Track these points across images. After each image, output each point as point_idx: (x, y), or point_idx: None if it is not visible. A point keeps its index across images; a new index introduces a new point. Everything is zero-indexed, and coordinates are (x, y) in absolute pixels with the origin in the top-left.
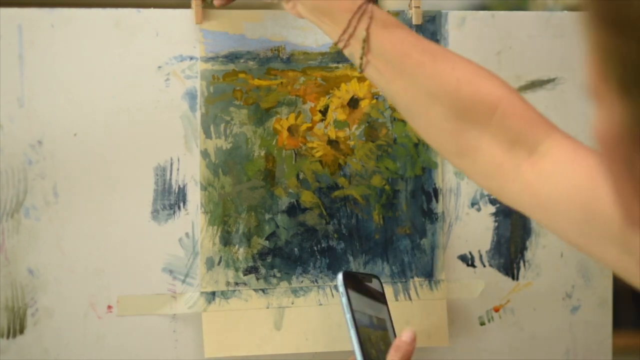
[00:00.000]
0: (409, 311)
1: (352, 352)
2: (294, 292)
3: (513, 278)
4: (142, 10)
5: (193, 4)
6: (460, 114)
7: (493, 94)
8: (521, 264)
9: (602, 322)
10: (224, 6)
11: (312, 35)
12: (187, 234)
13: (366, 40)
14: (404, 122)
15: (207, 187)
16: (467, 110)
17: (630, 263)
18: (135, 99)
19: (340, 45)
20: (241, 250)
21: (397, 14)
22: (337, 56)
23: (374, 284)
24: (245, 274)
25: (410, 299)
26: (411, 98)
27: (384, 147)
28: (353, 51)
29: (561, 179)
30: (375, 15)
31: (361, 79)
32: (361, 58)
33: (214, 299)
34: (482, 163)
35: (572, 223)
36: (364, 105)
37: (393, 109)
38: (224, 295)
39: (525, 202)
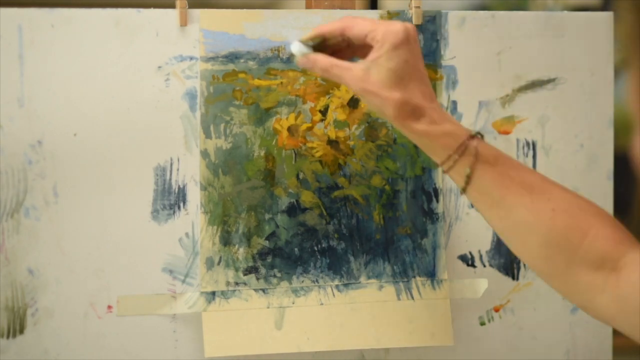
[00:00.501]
0: (412, 310)
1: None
2: (295, 292)
3: (513, 278)
4: (142, 10)
5: (177, 4)
6: (552, 242)
7: (586, 221)
8: (521, 264)
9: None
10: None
11: None
12: (187, 234)
13: (469, 176)
14: None
15: (207, 187)
16: (560, 239)
17: None
18: (135, 99)
19: (443, 170)
20: (241, 250)
21: (398, 14)
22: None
23: None
24: (245, 274)
25: (412, 298)
26: (507, 226)
27: (384, 147)
28: (454, 178)
29: (637, 290)
30: (480, 151)
31: None
32: (463, 189)
33: (214, 299)
34: (572, 282)
35: None
36: (364, 105)
37: None
38: (224, 295)
39: (612, 315)
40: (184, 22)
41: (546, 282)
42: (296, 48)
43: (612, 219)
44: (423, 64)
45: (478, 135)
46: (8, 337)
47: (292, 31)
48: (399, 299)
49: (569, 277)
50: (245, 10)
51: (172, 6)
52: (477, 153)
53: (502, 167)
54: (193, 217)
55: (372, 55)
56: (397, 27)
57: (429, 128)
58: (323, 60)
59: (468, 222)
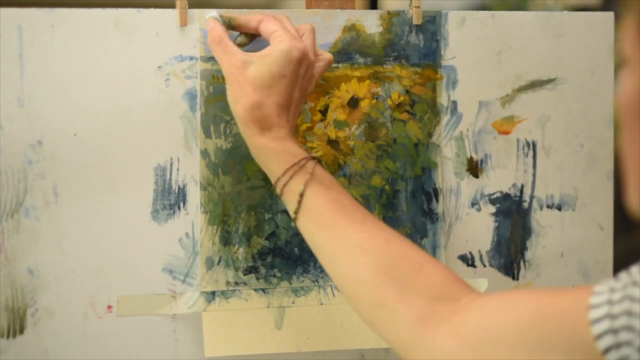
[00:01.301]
0: None
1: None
2: (295, 291)
3: (513, 278)
4: (142, 10)
5: (177, 4)
6: (385, 268)
7: (419, 255)
8: (521, 264)
9: None
10: None
11: None
12: (187, 234)
13: (302, 194)
14: (404, 122)
15: (207, 186)
16: (394, 265)
17: None
18: (135, 99)
19: (276, 190)
20: (241, 250)
21: (397, 14)
22: (337, 56)
23: None
24: (245, 274)
25: None
26: (337, 246)
27: (384, 147)
28: (287, 198)
29: (487, 310)
30: (316, 172)
31: (361, 79)
32: (296, 210)
33: (214, 298)
34: (400, 313)
35: (503, 348)
36: (364, 105)
37: (393, 109)
38: (224, 295)
39: (449, 350)
40: (184, 22)
41: (365, 317)
42: (212, 14)
43: (445, 265)
44: (301, 94)
45: (317, 160)
46: (8, 337)
47: None
48: None
49: (398, 306)
50: (245, 10)
51: (172, 6)
52: (314, 173)
53: (337, 194)
54: (193, 217)
55: (262, 52)
56: (297, 44)
57: (270, 143)
58: (218, 31)
59: (468, 222)
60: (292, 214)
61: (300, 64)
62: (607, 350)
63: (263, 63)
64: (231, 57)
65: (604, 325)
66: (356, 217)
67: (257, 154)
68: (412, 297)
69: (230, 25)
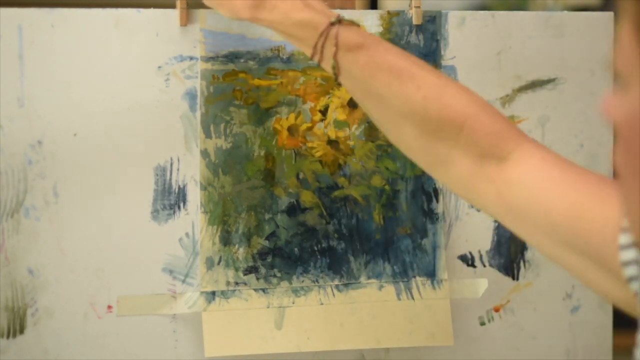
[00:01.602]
0: (412, 310)
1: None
2: (295, 291)
3: (513, 278)
4: (142, 10)
5: (178, 4)
6: (428, 132)
7: (460, 111)
8: (521, 264)
9: (602, 322)
10: None
11: None
12: (187, 234)
13: (334, 67)
14: None
15: (207, 187)
16: (435, 128)
17: (599, 275)
18: (135, 99)
19: (315, 61)
20: (241, 250)
21: (397, 14)
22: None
23: None
24: (245, 274)
25: (412, 298)
26: (382, 115)
27: (384, 147)
28: (327, 70)
29: (528, 187)
30: (340, 39)
31: None
32: (335, 80)
33: (214, 298)
34: (454, 175)
35: (540, 231)
36: None
37: None
38: (224, 295)
39: (498, 211)
40: (184, 22)
41: (429, 173)
42: None
43: (491, 109)
44: None
45: (341, 21)
46: (8, 337)
47: None
48: (399, 299)
49: (449, 168)
50: None
51: (172, 6)
52: (338, 41)
53: (368, 53)
54: (193, 217)
55: None
56: None
57: (280, 18)
58: None
59: (468, 222)
60: (336, 83)
61: None
62: (630, 280)
63: None
64: None
65: (631, 253)
66: (391, 76)
67: (283, 35)
68: (458, 156)
69: None
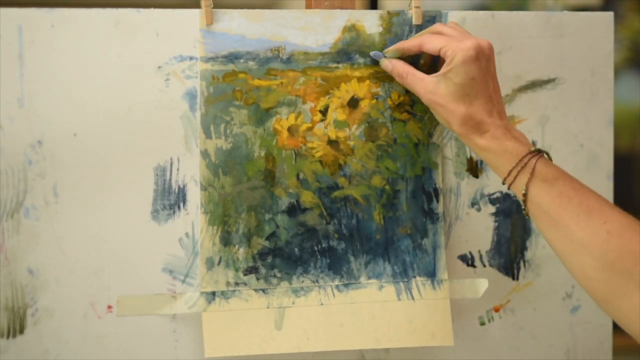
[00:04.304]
0: (412, 311)
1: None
2: (295, 292)
3: (513, 278)
4: (142, 10)
5: (203, 4)
6: (608, 264)
7: None
8: (521, 264)
9: (602, 322)
10: None
11: (312, 35)
12: (187, 234)
13: (525, 194)
14: (404, 122)
15: (207, 187)
16: (614, 261)
17: None
18: (135, 99)
19: (506, 185)
20: (241, 250)
21: (397, 14)
22: (337, 56)
23: None
24: (245, 274)
25: (412, 298)
26: (563, 245)
27: (384, 147)
28: (517, 195)
29: None
30: (537, 169)
31: (361, 79)
32: (522, 207)
33: (214, 299)
34: (629, 308)
35: None
36: (364, 105)
37: (393, 109)
38: (224, 295)
39: None
40: (209, 21)
41: (602, 308)
42: (379, 56)
43: None
44: (495, 81)
45: (540, 153)
46: (8, 337)
47: (292, 31)
48: (399, 299)
49: (623, 301)
50: (245, 10)
51: (173, 6)
52: (534, 171)
53: (561, 187)
54: (193, 217)
55: (443, 69)
56: (468, 45)
57: (490, 144)
58: (401, 67)
59: (468, 222)
60: (522, 210)
61: (480, 60)
62: None
63: (450, 78)
64: (423, 84)
65: None
66: (580, 210)
67: (482, 155)
68: (633, 289)
69: (397, 57)
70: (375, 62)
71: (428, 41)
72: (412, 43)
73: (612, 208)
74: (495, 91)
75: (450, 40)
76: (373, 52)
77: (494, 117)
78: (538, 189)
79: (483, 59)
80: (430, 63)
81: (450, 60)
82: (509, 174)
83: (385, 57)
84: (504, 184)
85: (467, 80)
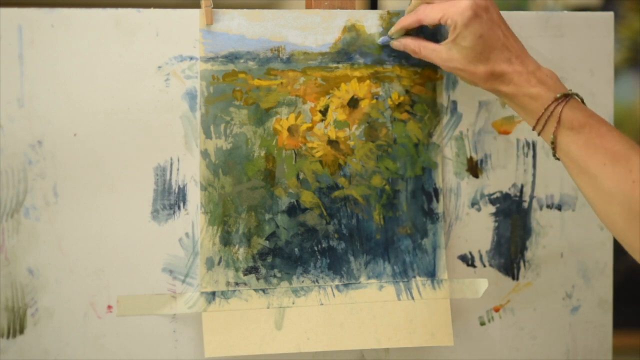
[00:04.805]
0: (412, 311)
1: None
2: (295, 292)
3: (513, 278)
4: (142, 10)
5: (203, 4)
6: (633, 215)
7: None
8: (521, 264)
9: (602, 322)
10: None
11: (312, 35)
12: (187, 234)
13: (554, 142)
14: (404, 122)
15: (207, 187)
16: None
17: None
18: (135, 99)
19: (536, 132)
20: (241, 250)
21: (398, 14)
22: (337, 56)
23: None
24: (245, 274)
25: (412, 298)
26: (592, 193)
27: (384, 147)
28: (546, 141)
29: None
30: (563, 117)
31: (361, 79)
32: (553, 154)
33: (214, 299)
34: None
35: None
36: (364, 105)
37: (393, 109)
38: (224, 295)
39: None
40: (210, 21)
41: (633, 257)
42: (384, 40)
43: None
44: (504, 28)
45: (568, 97)
46: (8, 337)
47: (292, 31)
48: (399, 299)
49: None
50: (245, 10)
51: (172, 6)
52: (560, 119)
53: (588, 134)
54: (193, 217)
55: (450, 36)
56: (462, 6)
57: (515, 91)
58: (412, 43)
59: (468, 222)
60: (552, 156)
61: (480, 15)
62: None
63: (459, 44)
64: (438, 55)
65: None
66: (607, 158)
67: (511, 105)
68: None
69: (403, 34)
70: (376, 62)
71: (426, 14)
72: (411, 19)
73: (638, 154)
74: (507, 37)
75: (447, 7)
76: (380, 39)
77: (514, 64)
78: (565, 138)
79: (483, 13)
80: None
81: (454, 27)
82: (537, 123)
83: (392, 39)
84: (533, 130)
85: (476, 40)
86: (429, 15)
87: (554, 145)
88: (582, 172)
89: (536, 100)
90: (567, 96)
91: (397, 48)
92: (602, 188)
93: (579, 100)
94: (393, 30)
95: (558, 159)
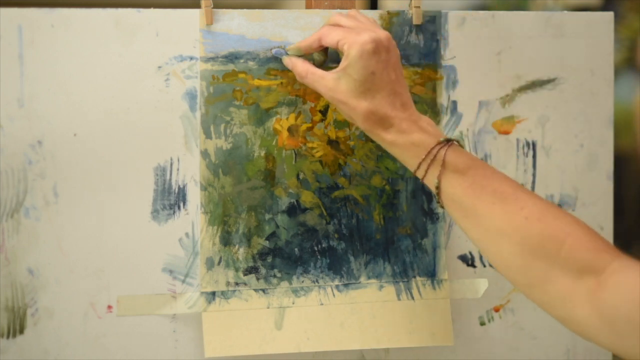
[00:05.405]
0: (412, 311)
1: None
2: (295, 292)
3: None
4: (142, 10)
5: (203, 4)
6: (529, 250)
7: (561, 229)
8: None
9: None
10: None
11: None
12: (187, 234)
13: (438, 187)
14: None
15: (207, 187)
16: (536, 246)
17: None
18: (135, 99)
19: (419, 178)
20: (241, 250)
21: (397, 14)
22: (337, 56)
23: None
24: (245, 274)
25: (412, 298)
26: (481, 235)
27: None
28: (429, 187)
29: (626, 296)
30: (447, 160)
31: None
32: (437, 199)
33: (214, 299)
34: (552, 293)
35: (639, 342)
36: None
37: None
38: (224, 295)
39: (593, 325)
40: (209, 21)
41: (525, 295)
42: (279, 53)
43: (589, 229)
44: (398, 72)
45: (450, 142)
46: (8, 337)
47: (292, 31)
48: (399, 299)
49: (547, 286)
50: (245, 10)
51: (172, 6)
52: (444, 163)
53: (474, 176)
54: (193, 217)
55: (342, 64)
56: (364, 38)
57: (396, 138)
58: (301, 66)
59: None
60: (436, 202)
61: (379, 52)
62: None
63: (348, 74)
64: (323, 82)
65: None
66: (495, 197)
67: (391, 151)
68: (557, 274)
69: (300, 55)
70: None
71: (326, 34)
72: (311, 39)
73: (528, 193)
74: (398, 82)
75: (348, 33)
76: (275, 49)
77: (397, 109)
78: (450, 181)
79: (383, 51)
80: (324, 59)
81: (347, 55)
82: (419, 167)
83: (287, 54)
84: (415, 175)
85: (367, 75)
86: (330, 35)
87: (438, 190)
88: (469, 214)
89: (418, 146)
90: (449, 141)
91: (287, 65)
92: (493, 228)
93: (460, 145)
94: (291, 47)
95: (442, 207)
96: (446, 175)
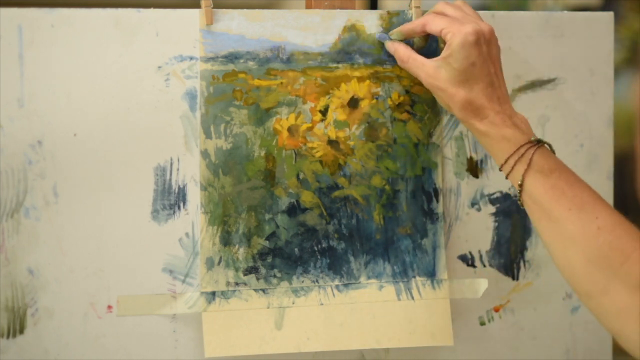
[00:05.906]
0: (412, 311)
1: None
2: (295, 292)
3: (513, 278)
4: (142, 10)
5: (203, 4)
6: (594, 259)
7: (629, 244)
8: (521, 264)
9: None
10: None
11: (312, 35)
12: (187, 234)
13: (521, 184)
14: (404, 122)
15: (207, 187)
16: (601, 257)
17: None
18: (135, 99)
19: (503, 173)
20: (241, 250)
21: (397, 14)
22: (337, 56)
23: None
24: (245, 274)
25: (412, 298)
26: (553, 237)
27: (384, 147)
28: (513, 183)
29: None
30: (534, 160)
31: (361, 79)
32: (518, 196)
33: (214, 299)
34: (606, 305)
35: None
36: (364, 105)
37: (393, 109)
38: (224, 295)
39: None
40: (209, 21)
41: (584, 303)
42: (382, 37)
43: None
44: (497, 66)
45: (541, 143)
46: (8, 337)
47: (291, 31)
48: (399, 299)
49: (604, 297)
50: (245, 10)
51: (173, 6)
52: (531, 162)
53: (557, 180)
54: (193, 217)
55: (443, 53)
56: (467, 29)
57: (489, 129)
58: (403, 51)
59: (468, 222)
60: (518, 198)
61: (480, 44)
62: None
63: (449, 63)
64: (424, 69)
65: None
66: (573, 204)
67: (481, 140)
68: (616, 287)
69: (402, 39)
70: (376, 62)
71: (430, 21)
72: (416, 24)
73: (605, 204)
74: (497, 76)
75: (453, 22)
76: (379, 34)
77: (494, 102)
78: (533, 180)
79: (484, 44)
80: (426, 44)
81: (450, 44)
82: (506, 162)
83: (390, 39)
84: (500, 170)
85: (467, 66)
86: (434, 22)
87: (520, 188)
88: (545, 215)
89: (509, 141)
90: (539, 142)
91: (389, 49)
92: (565, 233)
93: (549, 148)
94: (394, 31)
95: (521, 204)
96: (530, 175)
